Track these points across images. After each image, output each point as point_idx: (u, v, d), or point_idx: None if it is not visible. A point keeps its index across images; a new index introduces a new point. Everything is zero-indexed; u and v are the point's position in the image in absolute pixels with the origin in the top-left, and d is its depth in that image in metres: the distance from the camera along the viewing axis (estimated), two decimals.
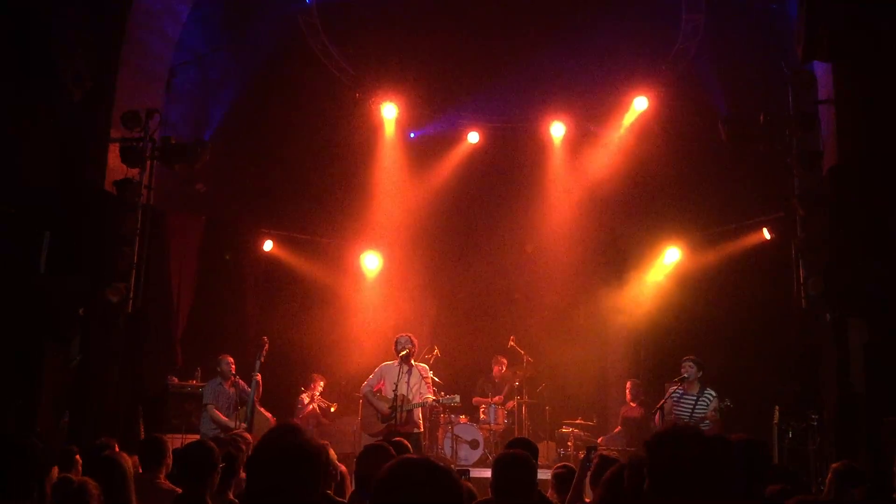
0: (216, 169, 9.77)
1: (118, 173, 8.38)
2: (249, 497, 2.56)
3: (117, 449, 5.13)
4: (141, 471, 4.58)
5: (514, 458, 3.86)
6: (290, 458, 2.33)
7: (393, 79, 11.70)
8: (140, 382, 9.11)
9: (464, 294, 12.83)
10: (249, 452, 5.34)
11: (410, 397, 8.22)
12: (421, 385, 8.35)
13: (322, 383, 10.89)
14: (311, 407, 10.58)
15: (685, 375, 8.05)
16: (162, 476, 4.54)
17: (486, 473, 4.28)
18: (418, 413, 8.42)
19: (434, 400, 8.66)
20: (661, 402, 7.92)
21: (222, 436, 7.38)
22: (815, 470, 7.01)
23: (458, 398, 9.10)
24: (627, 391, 10.59)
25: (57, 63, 8.12)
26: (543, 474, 7.96)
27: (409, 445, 5.07)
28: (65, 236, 7.97)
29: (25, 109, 8.00)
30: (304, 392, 10.62)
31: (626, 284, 11.61)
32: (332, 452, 4.75)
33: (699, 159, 10.52)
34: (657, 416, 7.90)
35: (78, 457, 4.84)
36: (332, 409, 10.99)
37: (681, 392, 8.07)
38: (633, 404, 10.45)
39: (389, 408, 8.14)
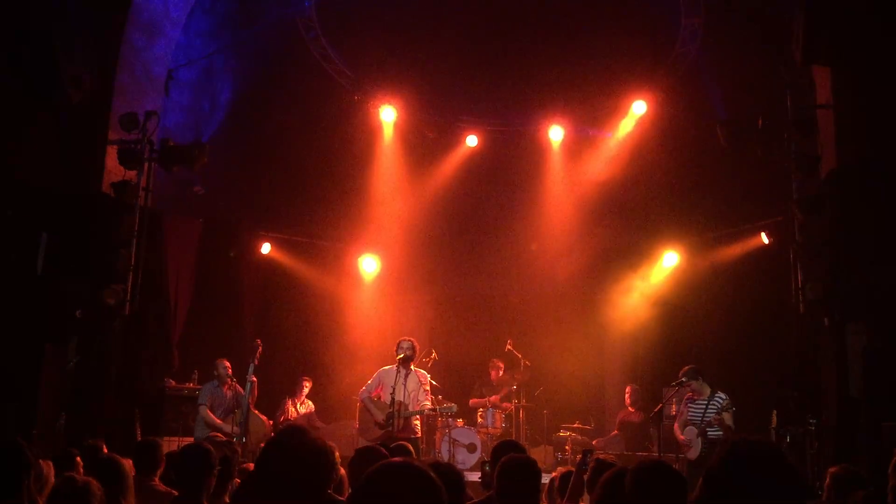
0: (214, 171, 9.75)
1: (116, 175, 8.37)
2: (258, 496, 2.57)
3: (105, 451, 5.13)
4: (135, 473, 4.56)
5: (524, 463, 3.81)
6: (301, 459, 2.42)
7: (391, 82, 11.69)
8: (137, 385, 9.09)
9: (461, 297, 12.82)
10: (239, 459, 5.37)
11: (408, 404, 8.14)
12: (419, 391, 8.25)
13: (308, 385, 10.69)
14: (292, 412, 10.46)
15: (683, 380, 8.01)
16: (156, 478, 4.54)
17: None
18: (416, 419, 8.36)
19: (431, 409, 8.59)
20: (659, 407, 7.90)
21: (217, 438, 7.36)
22: (813, 475, 6.99)
23: (455, 407, 9.02)
24: (627, 396, 10.58)
25: (56, 65, 8.12)
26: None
27: (412, 449, 5.03)
28: (62, 238, 7.96)
29: (24, 111, 8.00)
30: (289, 398, 10.54)
31: (625, 288, 11.60)
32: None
33: (698, 163, 10.52)
34: (656, 422, 7.89)
35: (78, 458, 4.83)
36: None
37: (690, 397, 8.05)
38: (632, 409, 10.44)
39: (386, 414, 8.09)
